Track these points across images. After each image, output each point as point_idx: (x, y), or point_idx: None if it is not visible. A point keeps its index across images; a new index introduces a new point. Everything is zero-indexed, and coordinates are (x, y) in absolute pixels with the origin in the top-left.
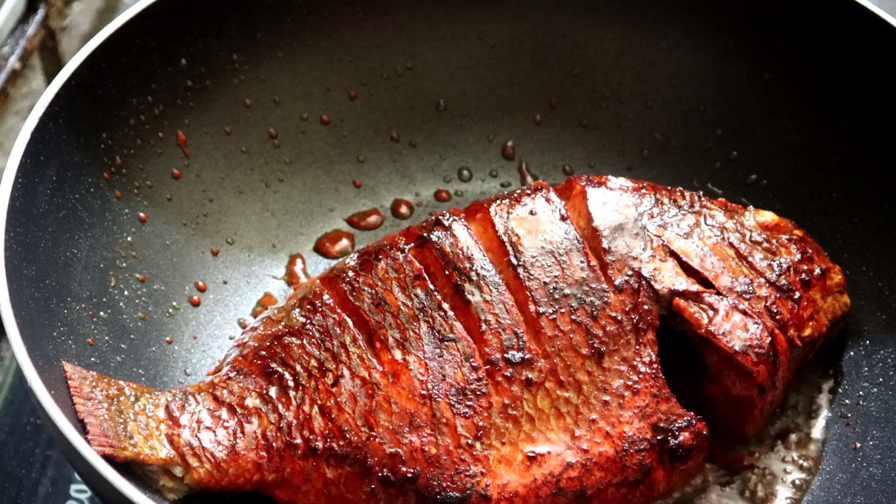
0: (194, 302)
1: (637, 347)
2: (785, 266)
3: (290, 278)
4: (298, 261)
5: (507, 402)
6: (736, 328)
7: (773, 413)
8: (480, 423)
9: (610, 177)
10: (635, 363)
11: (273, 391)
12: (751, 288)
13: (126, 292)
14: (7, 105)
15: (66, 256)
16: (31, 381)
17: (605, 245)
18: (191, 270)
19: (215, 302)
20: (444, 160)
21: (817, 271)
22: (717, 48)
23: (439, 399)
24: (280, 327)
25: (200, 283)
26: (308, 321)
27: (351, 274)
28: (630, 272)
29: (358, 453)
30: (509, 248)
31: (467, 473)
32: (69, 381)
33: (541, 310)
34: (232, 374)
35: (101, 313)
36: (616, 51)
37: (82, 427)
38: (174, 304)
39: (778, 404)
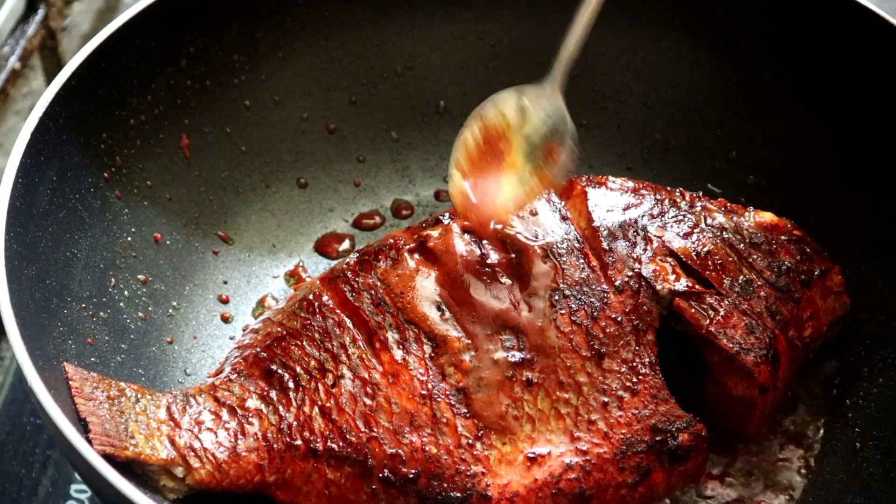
0: (224, 317)
1: (637, 349)
2: (785, 266)
3: (291, 278)
4: (299, 261)
5: (507, 402)
6: (736, 329)
7: (773, 413)
8: (481, 424)
9: (610, 177)
10: (635, 364)
11: (273, 392)
12: (751, 288)
13: (126, 292)
14: (7, 105)
15: (66, 256)
16: (31, 381)
17: (605, 246)
18: (191, 270)
19: (215, 302)
20: (444, 160)
21: (817, 271)
22: (717, 48)
23: (440, 399)
24: (280, 329)
25: (223, 296)
26: (308, 322)
27: (350, 274)
28: (630, 273)
29: (358, 454)
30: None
31: (468, 473)
32: (70, 382)
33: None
34: (233, 376)
35: (101, 313)
36: (616, 51)
37: (84, 426)
38: (174, 304)
39: (779, 404)
